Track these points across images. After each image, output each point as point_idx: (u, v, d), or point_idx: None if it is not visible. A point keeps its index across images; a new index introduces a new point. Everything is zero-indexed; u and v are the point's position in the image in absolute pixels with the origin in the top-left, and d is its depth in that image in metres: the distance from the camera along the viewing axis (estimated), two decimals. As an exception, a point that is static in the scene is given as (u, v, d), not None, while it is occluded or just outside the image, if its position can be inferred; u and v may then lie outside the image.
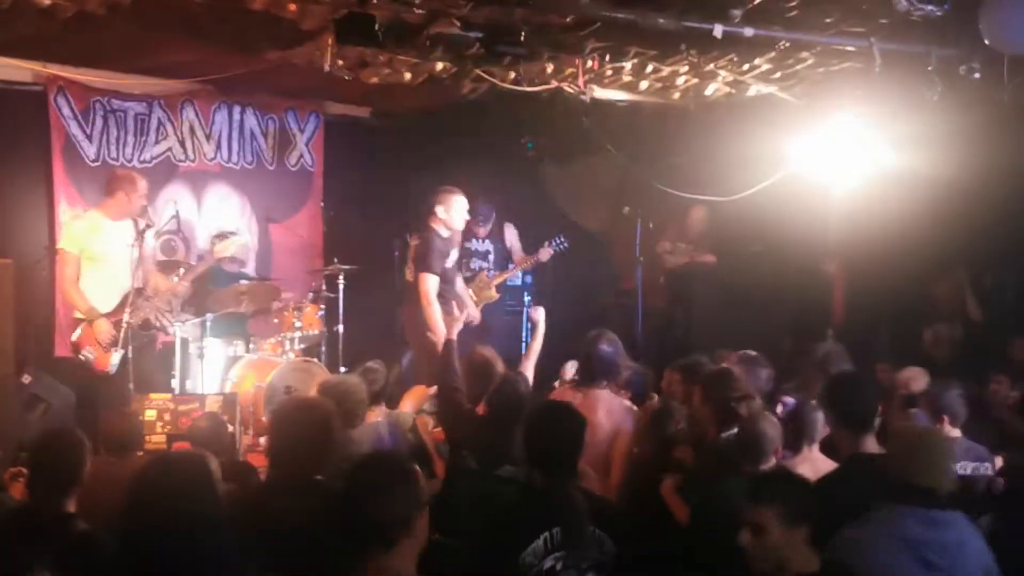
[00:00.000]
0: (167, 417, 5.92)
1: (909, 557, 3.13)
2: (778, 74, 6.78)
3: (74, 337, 6.35)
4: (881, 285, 7.60)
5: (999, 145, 6.51)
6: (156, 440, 5.82)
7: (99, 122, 7.86)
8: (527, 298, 9.17)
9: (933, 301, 7.55)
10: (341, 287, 8.10)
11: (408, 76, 7.04)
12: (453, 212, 6.87)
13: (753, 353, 5.53)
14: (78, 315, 6.39)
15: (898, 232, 7.20)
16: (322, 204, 8.90)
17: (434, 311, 6.52)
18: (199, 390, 7.14)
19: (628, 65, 6.67)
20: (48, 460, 3.51)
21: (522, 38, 5.43)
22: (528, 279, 9.22)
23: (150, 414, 5.91)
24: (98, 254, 6.43)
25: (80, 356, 6.34)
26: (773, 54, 6.28)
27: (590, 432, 3.90)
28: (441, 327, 6.35)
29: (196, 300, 7.48)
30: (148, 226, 6.49)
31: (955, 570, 3.11)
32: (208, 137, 8.44)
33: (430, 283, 6.64)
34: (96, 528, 3.34)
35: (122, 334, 6.21)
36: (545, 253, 8.45)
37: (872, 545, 3.15)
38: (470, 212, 8.27)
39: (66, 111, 7.70)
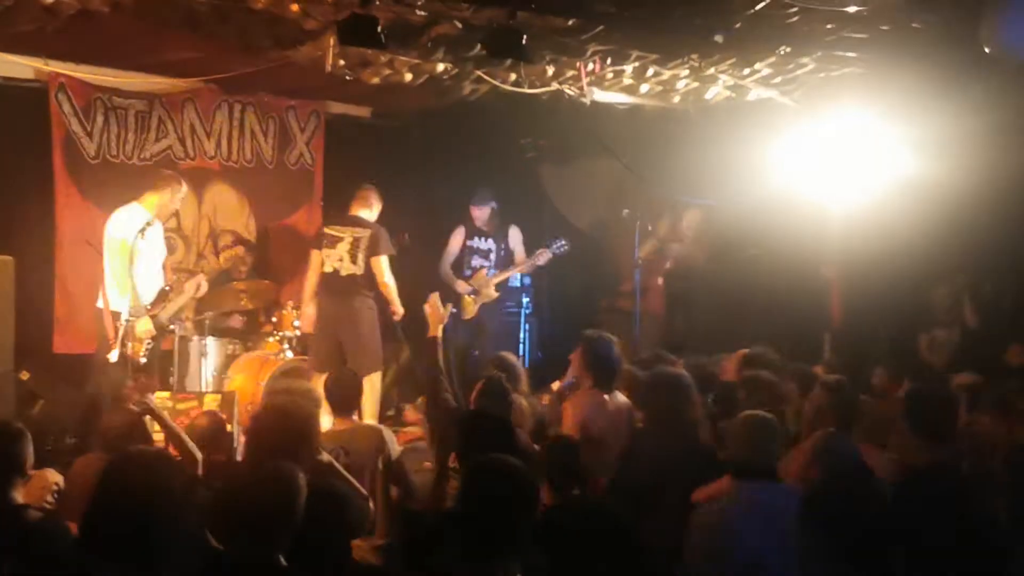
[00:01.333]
0: (166, 414, 5.90)
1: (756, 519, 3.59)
2: (778, 79, 6.81)
3: (119, 334, 6.42)
4: (879, 290, 7.62)
5: (999, 151, 6.52)
6: (155, 438, 5.80)
7: (100, 119, 7.86)
8: (525, 299, 9.18)
9: (931, 307, 7.57)
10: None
11: (409, 77, 7.05)
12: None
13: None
14: (115, 308, 6.48)
15: (896, 237, 7.22)
16: (322, 203, 8.90)
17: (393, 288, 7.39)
18: (198, 388, 7.14)
19: (629, 68, 6.69)
20: None
21: (523, 41, 5.42)
22: (527, 280, 9.23)
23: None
24: (138, 248, 6.58)
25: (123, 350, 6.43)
26: (774, 59, 6.31)
27: None
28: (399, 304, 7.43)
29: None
30: (149, 224, 6.55)
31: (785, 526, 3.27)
32: (208, 135, 8.44)
33: (385, 263, 7.37)
34: (50, 518, 3.37)
35: (120, 333, 6.26)
36: (543, 256, 8.44)
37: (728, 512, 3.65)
38: (473, 198, 8.44)
39: (67, 108, 7.70)
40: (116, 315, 6.45)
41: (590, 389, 5.22)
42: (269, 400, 5.38)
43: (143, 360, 6.45)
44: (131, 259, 6.54)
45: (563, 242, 8.38)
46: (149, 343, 6.53)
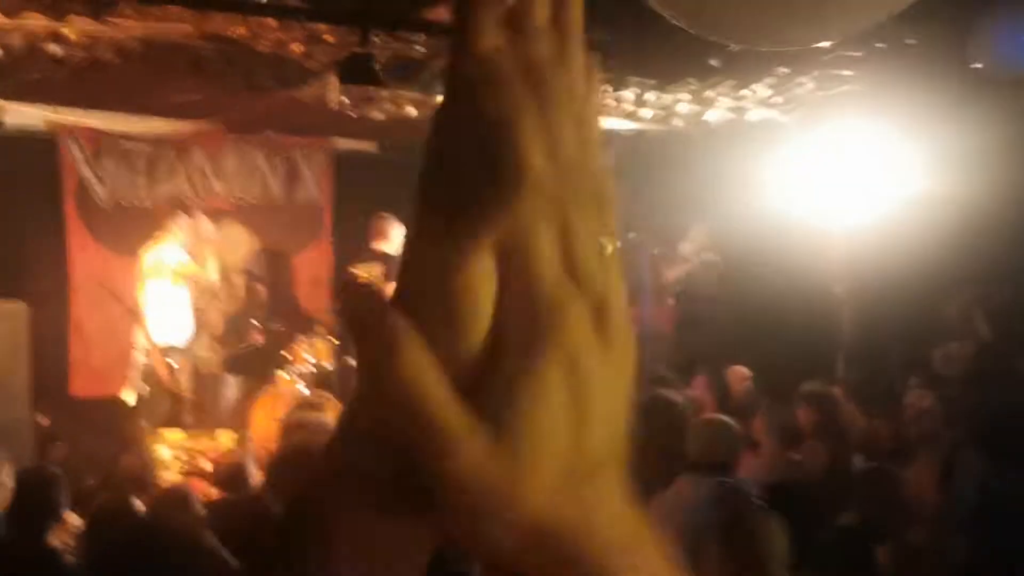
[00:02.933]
0: (183, 456, 5.97)
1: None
2: (779, 99, 6.85)
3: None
4: (891, 306, 7.61)
5: (1010, 162, 6.54)
6: (172, 479, 5.86)
7: (110, 164, 7.97)
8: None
9: (943, 321, 7.55)
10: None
11: (414, 112, 7.14)
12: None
13: None
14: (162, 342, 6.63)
15: (905, 253, 7.23)
16: (331, 239, 8.97)
17: None
18: (214, 425, 7.20)
19: (630, 95, 6.75)
20: (26, 496, 3.56)
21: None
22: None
23: (164, 452, 5.96)
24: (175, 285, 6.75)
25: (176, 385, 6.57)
26: (773, 80, 6.36)
27: None
28: None
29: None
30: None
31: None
32: (217, 175, 8.54)
33: None
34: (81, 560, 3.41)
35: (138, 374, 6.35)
36: None
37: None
38: None
39: (77, 154, 7.82)
40: (167, 350, 6.59)
41: None
42: (286, 438, 5.41)
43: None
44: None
45: None
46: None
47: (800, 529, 3.25)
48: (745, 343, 7.92)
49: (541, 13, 0.54)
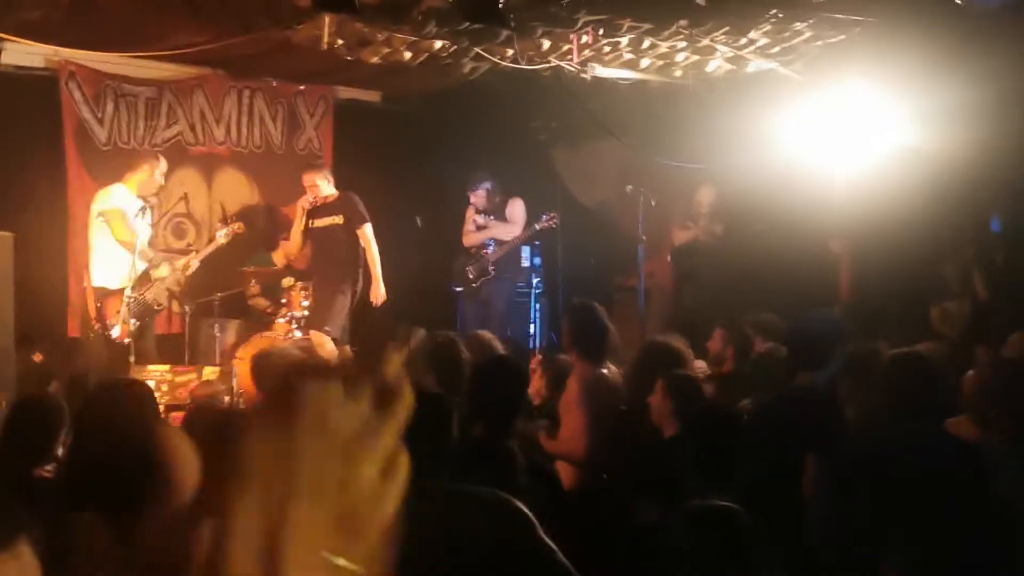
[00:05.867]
0: (164, 388, 6.02)
1: None
2: (777, 49, 6.76)
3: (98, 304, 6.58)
4: (889, 263, 7.53)
5: (1013, 120, 6.42)
6: (153, 411, 5.90)
7: (110, 106, 8.00)
8: (535, 280, 9.18)
9: (941, 280, 7.47)
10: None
11: (408, 55, 7.10)
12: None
13: None
14: (99, 284, 6.63)
15: (905, 210, 7.13)
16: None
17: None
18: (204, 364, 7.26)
19: (625, 40, 6.68)
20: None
21: (499, 5, 5.43)
22: (537, 261, 9.22)
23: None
24: (117, 228, 6.71)
25: (105, 326, 6.56)
26: (768, 27, 6.27)
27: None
28: None
29: (206, 279, 7.63)
30: (148, 206, 6.68)
31: None
32: (218, 121, 8.56)
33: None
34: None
35: (123, 309, 6.38)
36: (525, 234, 8.53)
37: None
38: (470, 182, 8.54)
39: (77, 95, 7.85)
40: (99, 291, 6.60)
41: (581, 360, 5.04)
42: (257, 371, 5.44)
43: (127, 340, 6.54)
44: (129, 227, 6.69)
45: (552, 215, 8.41)
46: (135, 322, 6.62)
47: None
48: (741, 299, 7.87)
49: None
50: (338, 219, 7.76)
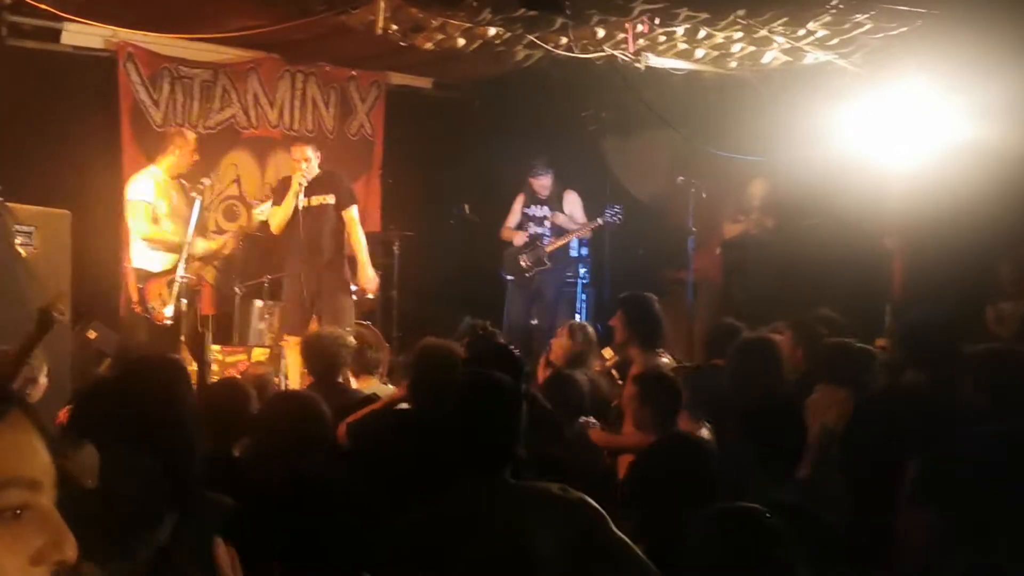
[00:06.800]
0: (215, 368, 6.09)
1: None
2: (835, 40, 6.66)
3: (140, 286, 6.63)
4: (943, 262, 7.40)
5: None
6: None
7: (166, 88, 8.09)
8: (582, 270, 9.15)
9: (997, 279, 7.33)
10: (396, 253, 8.21)
11: (462, 42, 7.10)
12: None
13: None
14: (139, 266, 6.68)
15: (961, 207, 7.01)
16: (380, 172, 9.01)
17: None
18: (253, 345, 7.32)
19: (680, 30, 6.62)
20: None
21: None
22: (584, 251, 9.19)
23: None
24: (158, 211, 6.73)
25: (146, 309, 6.61)
26: (828, 18, 6.17)
27: None
28: None
29: (256, 262, 7.69)
30: (200, 191, 6.69)
31: None
32: (271, 105, 8.62)
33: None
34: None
35: (174, 291, 6.44)
36: (595, 223, 8.40)
37: None
38: (531, 167, 8.41)
39: (134, 77, 7.95)
40: (140, 273, 6.64)
41: (641, 352, 5.11)
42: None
43: (168, 322, 6.57)
44: (156, 216, 6.70)
45: (616, 209, 8.32)
46: (184, 301, 6.63)
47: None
48: (791, 294, 7.79)
49: None
50: (329, 198, 7.20)
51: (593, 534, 2.54)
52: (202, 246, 6.93)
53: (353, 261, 7.18)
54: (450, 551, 2.50)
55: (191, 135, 6.93)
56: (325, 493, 2.34)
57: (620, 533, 2.58)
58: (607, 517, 2.58)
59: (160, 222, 6.77)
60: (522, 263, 8.50)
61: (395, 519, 2.57)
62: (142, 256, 6.73)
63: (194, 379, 5.70)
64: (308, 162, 7.09)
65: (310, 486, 2.38)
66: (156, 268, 6.66)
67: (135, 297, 6.68)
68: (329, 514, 2.25)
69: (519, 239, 8.51)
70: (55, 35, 7.61)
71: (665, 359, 5.27)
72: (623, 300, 5.31)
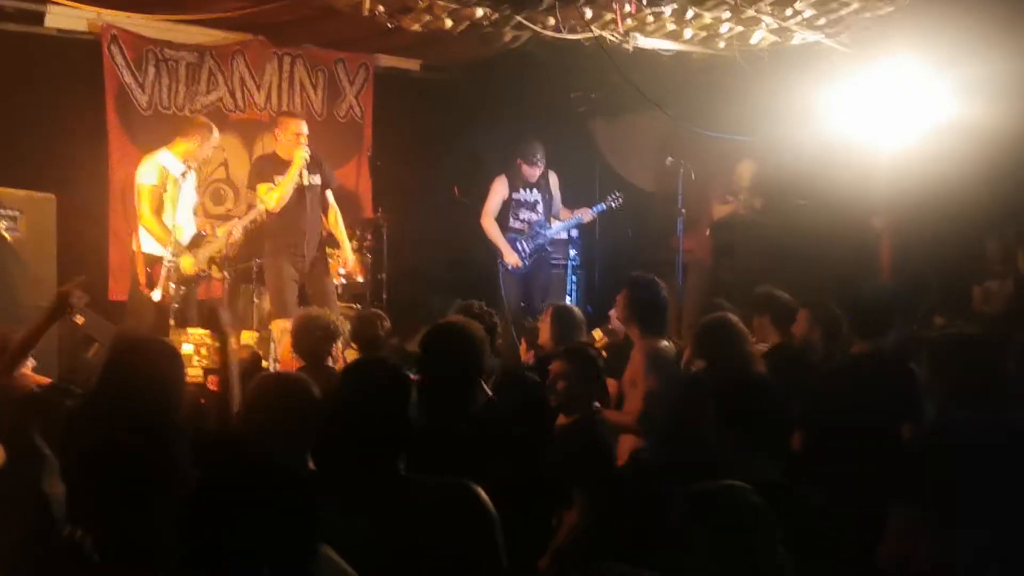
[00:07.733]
0: (203, 351, 6.08)
1: None
2: (823, 20, 6.64)
3: (162, 275, 6.62)
4: (931, 241, 7.42)
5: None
6: (192, 373, 5.96)
7: (151, 71, 8.04)
8: (572, 252, 9.14)
9: (984, 258, 7.36)
10: (385, 236, 8.18)
11: (449, 23, 7.05)
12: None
13: None
14: (148, 250, 6.67)
15: (948, 187, 7.02)
16: (370, 155, 8.97)
17: None
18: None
19: (668, 11, 6.59)
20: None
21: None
22: (574, 233, 9.15)
23: (187, 348, 6.08)
24: (167, 195, 6.74)
25: (152, 293, 6.62)
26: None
27: None
28: None
29: (246, 245, 7.66)
30: (189, 169, 6.69)
31: None
32: (258, 87, 8.57)
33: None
34: None
35: (163, 273, 6.45)
36: (598, 208, 8.32)
37: None
38: (526, 154, 8.23)
39: (119, 59, 7.89)
40: (149, 257, 6.63)
41: (641, 336, 5.03)
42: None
43: (175, 305, 6.58)
44: (160, 204, 6.69)
45: (617, 194, 8.27)
46: (182, 289, 6.66)
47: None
48: (780, 274, 7.81)
49: None
50: (317, 178, 7.17)
51: (473, 535, 2.47)
52: (212, 242, 6.95)
53: (334, 243, 7.20)
54: (337, 543, 2.27)
55: (216, 132, 7.00)
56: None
57: (500, 538, 2.51)
58: (494, 519, 2.52)
59: (164, 210, 6.80)
60: (520, 249, 8.36)
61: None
62: (149, 240, 6.74)
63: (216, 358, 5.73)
64: (307, 139, 7.02)
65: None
66: (163, 252, 6.69)
67: (143, 280, 6.69)
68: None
69: (505, 246, 8.29)
70: (39, 18, 7.56)
71: (665, 343, 5.22)
72: (632, 281, 5.21)
